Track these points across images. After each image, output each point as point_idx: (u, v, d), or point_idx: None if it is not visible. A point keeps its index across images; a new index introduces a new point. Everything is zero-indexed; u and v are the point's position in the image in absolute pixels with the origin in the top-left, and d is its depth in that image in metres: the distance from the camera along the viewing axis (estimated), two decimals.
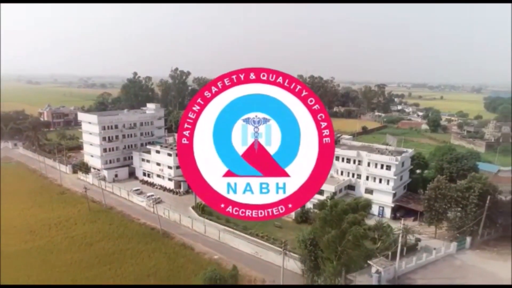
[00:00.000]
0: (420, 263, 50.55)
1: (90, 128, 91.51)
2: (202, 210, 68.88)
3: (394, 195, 67.84)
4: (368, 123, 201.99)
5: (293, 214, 67.42)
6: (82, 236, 60.26)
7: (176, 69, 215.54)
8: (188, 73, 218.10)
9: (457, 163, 77.25)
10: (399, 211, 68.60)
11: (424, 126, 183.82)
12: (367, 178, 69.67)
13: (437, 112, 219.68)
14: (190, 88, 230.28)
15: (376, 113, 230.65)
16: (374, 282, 45.54)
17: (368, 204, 44.03)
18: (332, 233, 35.24)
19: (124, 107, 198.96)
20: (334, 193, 66.16)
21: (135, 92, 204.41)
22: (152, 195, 76.89)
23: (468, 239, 55.67)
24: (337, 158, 72.48)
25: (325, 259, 38.00)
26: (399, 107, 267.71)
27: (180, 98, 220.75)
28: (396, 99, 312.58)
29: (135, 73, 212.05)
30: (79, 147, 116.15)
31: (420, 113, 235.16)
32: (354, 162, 70.85)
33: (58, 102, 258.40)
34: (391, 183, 66.79)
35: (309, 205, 65.07)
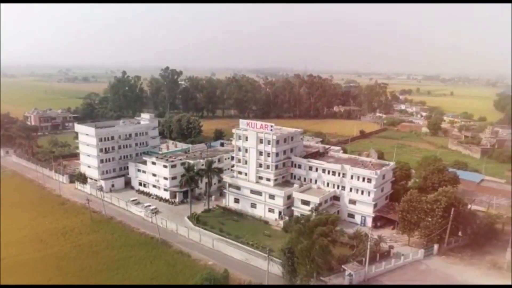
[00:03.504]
0: (389, 267, 64.77)
1: (87, 140, 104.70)
2: (197, 220, 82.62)
3: (375, 205, 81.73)
4: (368, 125, 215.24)
5: (281, 223, 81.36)
6: (88, 244, 73.99)
7: (167, 68, 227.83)
8: (180, 72, 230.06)
9: (439, 174, 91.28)
10: (380, 220, 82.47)
11: (425, 129, 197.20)
12: (351, 189, 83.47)
13: (441, 114, 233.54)
14: (182, 86, 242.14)
15: (377, 114, 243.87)
16: (346, 283, 59.79)
17: (336, 219, 57.74)
18: (304, 243, 49.00)
19: (113, 108, 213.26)
20: (319, 204, 79.69)
21: (124, 93, 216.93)
22: (149, 205, 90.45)
23: (436, 246, 69.82)
24: (324, 171, 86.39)
25: (299, 264, 51.86)
26: (403, 107, 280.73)
27: (171, 98, 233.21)
28: (401, 97, 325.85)
29: (124, 72, 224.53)
30: (72, 155, 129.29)
31: (424, 113, 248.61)
32: (339, 174, 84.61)
33: (40, 101, 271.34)
34: (372, 195, 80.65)
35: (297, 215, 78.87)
